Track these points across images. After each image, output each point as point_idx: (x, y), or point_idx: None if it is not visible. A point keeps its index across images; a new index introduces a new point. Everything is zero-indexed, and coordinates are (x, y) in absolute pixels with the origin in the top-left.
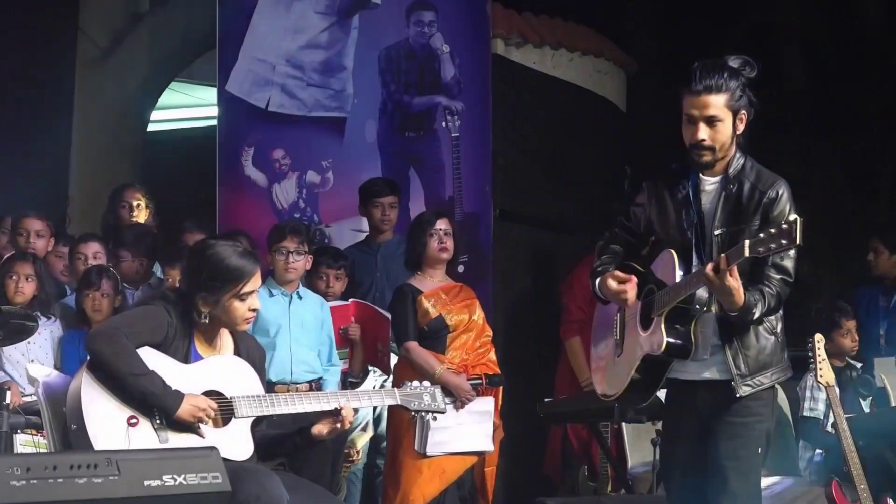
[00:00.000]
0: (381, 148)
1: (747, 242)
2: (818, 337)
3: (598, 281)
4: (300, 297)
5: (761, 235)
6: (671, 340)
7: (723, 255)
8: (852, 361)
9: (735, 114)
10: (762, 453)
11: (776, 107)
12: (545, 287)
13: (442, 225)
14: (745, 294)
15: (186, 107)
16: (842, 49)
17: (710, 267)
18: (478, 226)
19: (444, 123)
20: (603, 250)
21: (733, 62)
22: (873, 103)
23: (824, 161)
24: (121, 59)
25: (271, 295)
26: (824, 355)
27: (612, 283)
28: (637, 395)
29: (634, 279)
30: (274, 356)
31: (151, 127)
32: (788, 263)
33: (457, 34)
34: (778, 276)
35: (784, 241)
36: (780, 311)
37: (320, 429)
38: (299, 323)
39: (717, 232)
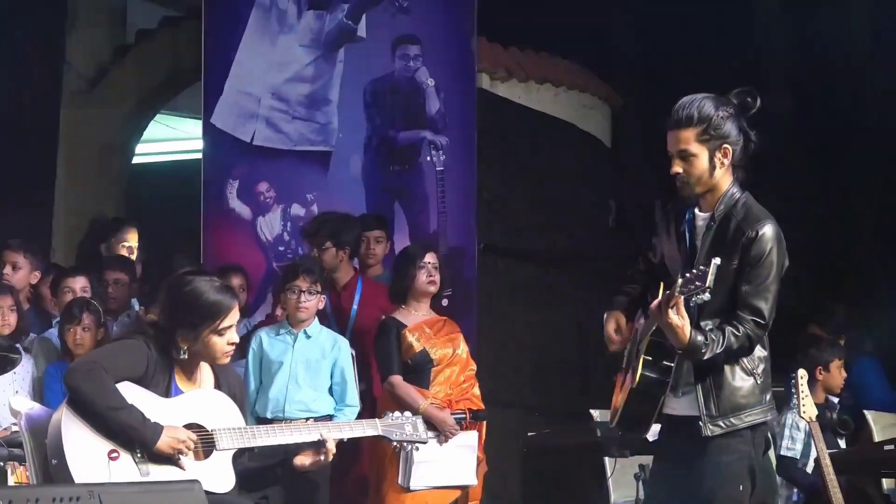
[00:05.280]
0: (366, 182)
1: (679, 282)
2: (801, 373)
3: (605, 315)
4: (308, 336)
5: (686, 275)
6: (646, 374)
7: (668, 291)
8: (831, 398)
9: (713, 147)
10: (744, 489)
11: (760, 142)
12: (530, 321)
13: (430, 259)
14: (691, 333)
15: (171, 140)
16: (826, 84)
17: (655, 302)
18: (462, 260)
19: (428, 157)
20: (625, 280)
21: (734, 96)
22: (857, 139)
23: (807, 196)
24: (106, 91)
25: (277, 334)
26: (807, 391)
27: (609, 329)
28: (630, 424)
29: (624, 336)
30: (269, 393)
31: (136, 159)
32: (762, 305)
33: (442, 68)
34: (750, 318)
35: (698, 283)
36: (764, 352)
37: (302, 460)
38: (303, 362)
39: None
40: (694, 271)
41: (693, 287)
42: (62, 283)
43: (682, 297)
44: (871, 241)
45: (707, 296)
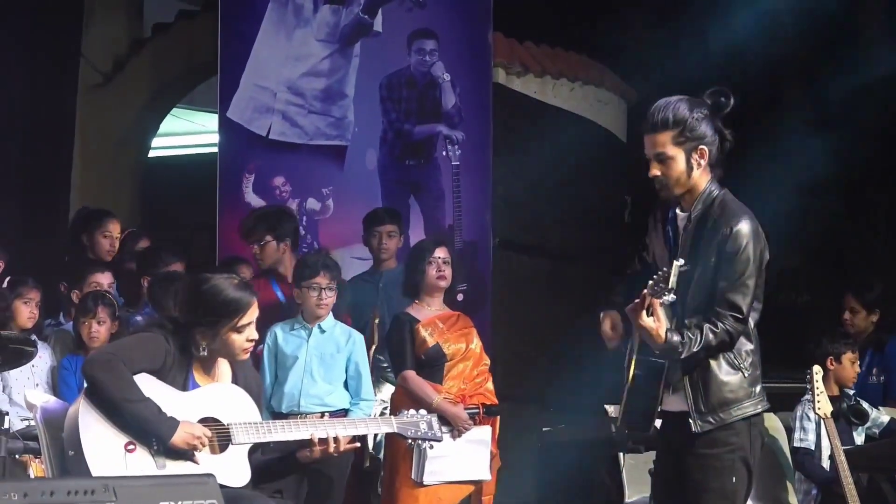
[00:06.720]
0: (382, 176)
1: (650, 283)
2: (816, 369)
3: (601, 314)
4: (322, 331)
5: (655, 276)
6: (639, 373)
7: (644, 292)
8: (846, 390)
9: (689, 149)
10: (738, 482)
11: (778, 138)
12: (544, 316)
13: (440, 253)
14: (667, 334)
15: (188, 133)
16: (844, 80)
17: (630, 306)
18: (477, 254)
19: (444, 152)
20: (619, 281)
21: (708, 96)
22: (872, 134)
23: (823, 192)
24: (123, 84)
25: (292, 329)
26: (822, 387)
27: (605, 327)
28: (632, 423)
29: (620, 333)
30: (284, 388)
31: (152, 153)
32: (740, 300)
33: (458, 63)
34: (728, 313)
35: (662, 285)
36: (751, 346)
37: (305, 453)
38: (318, 356)
39: (681, 268)
40: (660, 273)
41: (659, 289)
42: (89, 278)
43: (654, 298)
44: (885, 234)
45: (672, 297)
